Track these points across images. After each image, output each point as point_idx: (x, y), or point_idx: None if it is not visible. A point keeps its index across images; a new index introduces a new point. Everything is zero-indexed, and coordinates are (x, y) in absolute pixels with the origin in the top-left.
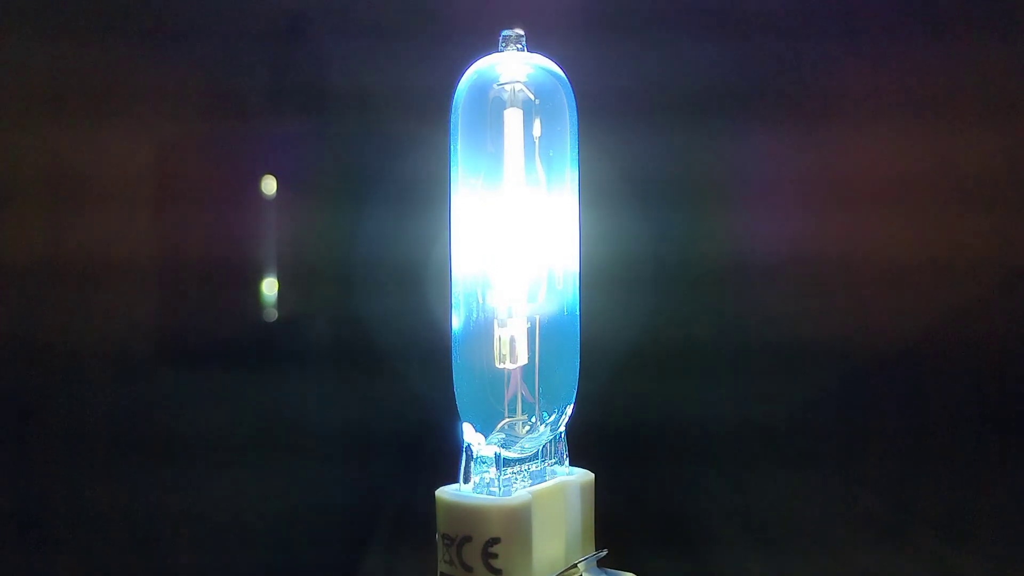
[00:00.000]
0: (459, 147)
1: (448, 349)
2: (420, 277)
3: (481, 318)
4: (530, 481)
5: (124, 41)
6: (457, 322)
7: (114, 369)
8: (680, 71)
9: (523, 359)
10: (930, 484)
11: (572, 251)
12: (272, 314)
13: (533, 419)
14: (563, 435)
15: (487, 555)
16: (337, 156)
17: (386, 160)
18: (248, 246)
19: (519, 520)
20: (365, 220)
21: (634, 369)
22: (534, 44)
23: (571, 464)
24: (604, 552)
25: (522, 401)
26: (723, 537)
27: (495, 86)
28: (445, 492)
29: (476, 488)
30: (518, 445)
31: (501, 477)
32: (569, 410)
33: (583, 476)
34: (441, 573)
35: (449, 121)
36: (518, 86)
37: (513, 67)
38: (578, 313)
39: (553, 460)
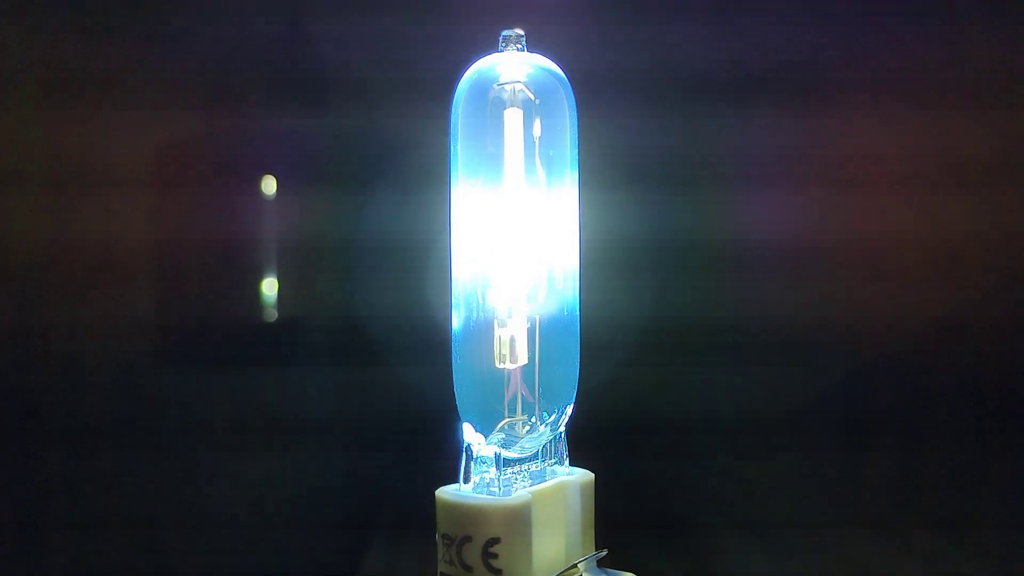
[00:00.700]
0: (459, 147)
1: (448, 348)
2: (420, 277)
3: (481, 318)
4: (530, 481)
5: (124, 32)
6: (457, 322)
7: (114, 363)
8: (677, 56)
9: (523, 359)
10: (932, 478)
11: (572, 251)
12: (272, 314)
13: (533, 419)
14: (563, 435)
15: (487, 555)
16: (337, 156)
17: (386, 160)
18: (248, 241)
19: (519, 520)
20: (365, 219)
21: (631, 358)
22: (529, 25)
23: (571, 458)
24: (604, 552)
25: (522, 401)
26: (722, 531)
27: (495, 86)
28: (445, 492)
29: (476, 488)
30: (518, 445)
31: (501, 477)
32: (569, 410)
33: (583, 476)
34: (441, 573)
35: (449, 121)
36: (518, 86)
37: (513, 67)
38: (578, 313)
39: (553, 460)
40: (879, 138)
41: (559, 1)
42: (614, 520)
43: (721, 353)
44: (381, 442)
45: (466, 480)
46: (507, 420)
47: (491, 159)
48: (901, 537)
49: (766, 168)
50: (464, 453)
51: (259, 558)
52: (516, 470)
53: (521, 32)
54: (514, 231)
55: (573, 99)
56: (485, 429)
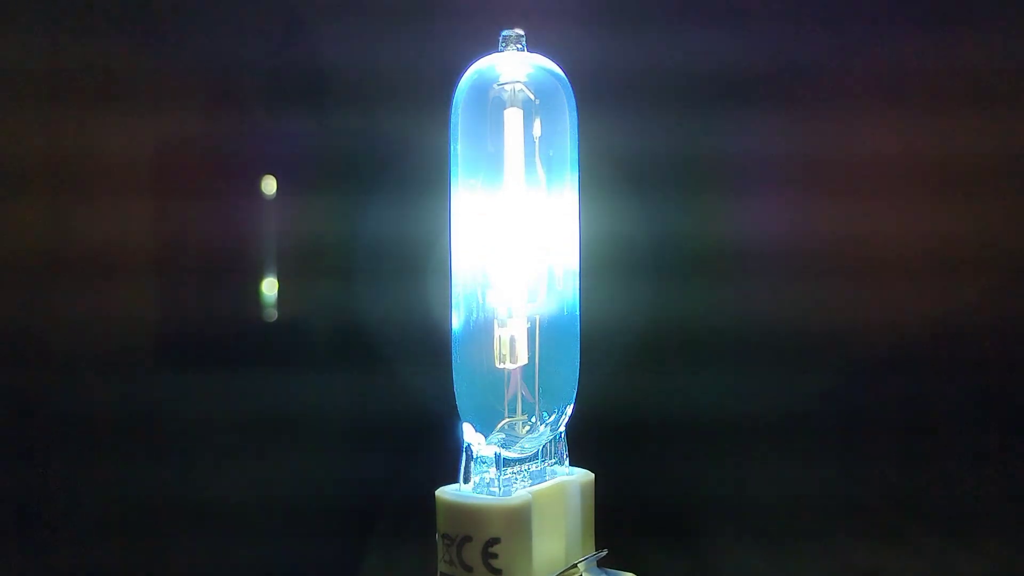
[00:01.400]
0: (459, 147)
1: (448, 347)
2: (420, 277)
3: (481, 318)
4: (530, 481)
5: (125, 31)
6: (457, 322)
7: (113, 362)
8: (677, 56)
9: (523, 359)
10: (930, 478)
11: (572, 251)
12: (272, 315)
13: (533, 419)
14: (563, 435)
15: (487, 555)
16: (337, 157)
17: (386, 160)
18: (247, 240)
19: (519, 520)
20: (365, 218)
21: (631, 359)
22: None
23: (571, 458)
24: (604, 552)
25: (522, 401)
26: (722, 531)
27: (495, 86)
28: (445, 492)
29: (476, 488)
30: (518, 445)
31: (501, 477)
32: (569, 410)
33: (583, 476)
34: (441, 573)
35: (449, 121)
36: (518, 86)
37: (513, 67)
38: (578, 313)
39: (553, 460)
40: (878, 140)
41: (559, 1)
42: (614, 520)
43: (721, 354)
44: (381, 442)
45: (466, 480)
46: (507, 420)
47: (491, 159)
48: (900, 538)
49: (766, 170)
50: (464, 453)
51: (259, 558)
52: (516, 470)
53: (521, 32)
54: (514, 231)
55: (573, 99)
56: (485, 429)
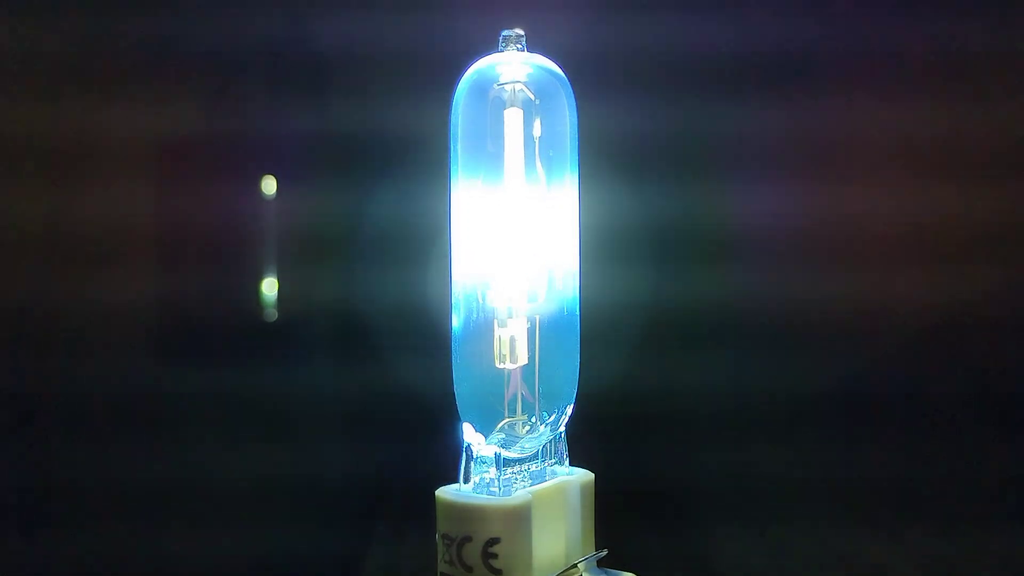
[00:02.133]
0: (459, 147)
1: (448, 348)
2: (420, 276)
3: (481, 318)
4: (530, 481)
5: (130, 22)
6: (457, 322)
7: (114, 350)
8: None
9: (523, 359)
10: (930, 466)
11: (572, 251)
12: (272, 310)
13: (533, 419)
14: (563, 435)
15: (487, 555)
16: (337, 155)
17: (386, 159)
18: (248, 237)
19: (519, 520)
20: (366, 218)
21: (632, 358)
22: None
23: (571, 458)
24: (604, 552)
25: (522, 401)
26: (722, 529)
27: (495, 86)
28: (445, 492)
29: (476, 488)
30: (518, 445)
31: (501, 477)
32: (569, 410)
33: (583, 476)
34: (441, 573)
35: (449, 121)
36: (518, 86)
37: (513, 67)
38: (578, 313)
39: (553, 460)
40: (880, 128)
41: (559, 1)
42: (614, 519)
43: (722, 354)
44: (381, 442)
45: (466, 480)
46: (507, 420)
47: (491, 159)
48: (901, 532)
49: (767, 158)
50: (464, 453)
51: (259, 554)
52: (516, 470)
53: (521, 32)
54: (514, 231)
55: (573, 99)
56: (485, 429)
